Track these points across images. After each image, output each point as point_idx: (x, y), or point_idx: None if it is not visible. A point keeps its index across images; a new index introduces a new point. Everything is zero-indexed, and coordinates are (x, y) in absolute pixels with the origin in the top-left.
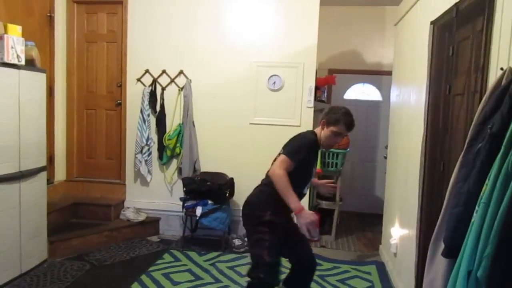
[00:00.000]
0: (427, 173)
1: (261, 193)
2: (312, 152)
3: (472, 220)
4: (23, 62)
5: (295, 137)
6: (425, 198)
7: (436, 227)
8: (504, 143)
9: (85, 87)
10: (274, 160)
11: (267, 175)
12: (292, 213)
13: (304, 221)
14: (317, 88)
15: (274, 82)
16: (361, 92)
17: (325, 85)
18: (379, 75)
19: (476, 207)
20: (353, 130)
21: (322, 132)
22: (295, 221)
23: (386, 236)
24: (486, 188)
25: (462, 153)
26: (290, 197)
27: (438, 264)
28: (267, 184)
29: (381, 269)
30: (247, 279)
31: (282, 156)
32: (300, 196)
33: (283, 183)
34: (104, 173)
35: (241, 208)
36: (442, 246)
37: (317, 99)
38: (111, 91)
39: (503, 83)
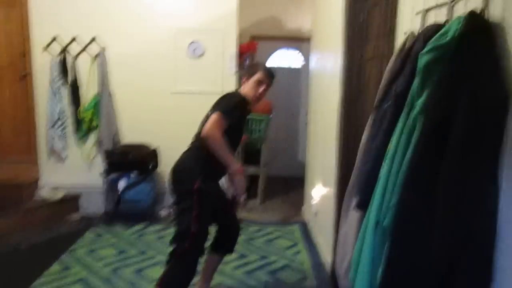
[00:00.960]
0: (343, 135)
1: (189, 160)
2: (244, 111)
3: (380, 175)
4: None
5: (224, 96)
6: (342, 158)
7: (349, 183)
8: (406, 103)
9: None
10: (203, 122)
11: (196, 138)
12: (224, 176)
13: (240, 182)
14: (239, 54)
15: (195, 49)
16: (283, 59)
17: (248, 52)
18: (300, 41)
19: (383, 163)
20: (273, 82)
21: (246, 87)
22: (227, 182)
23: (308, 197)
24: (391, 145)
25: (372, 113)
26: (229, 157)
27: (351, 217)
28: (196, 148)
29: (304, 228)
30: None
31: (216, 115)
32: None
33: (219, 143)
34: (13, 151)
35: (166, 179)
36: (355, 200)
37: (239, 66)
38: (13, 62)
39: (406, 46)
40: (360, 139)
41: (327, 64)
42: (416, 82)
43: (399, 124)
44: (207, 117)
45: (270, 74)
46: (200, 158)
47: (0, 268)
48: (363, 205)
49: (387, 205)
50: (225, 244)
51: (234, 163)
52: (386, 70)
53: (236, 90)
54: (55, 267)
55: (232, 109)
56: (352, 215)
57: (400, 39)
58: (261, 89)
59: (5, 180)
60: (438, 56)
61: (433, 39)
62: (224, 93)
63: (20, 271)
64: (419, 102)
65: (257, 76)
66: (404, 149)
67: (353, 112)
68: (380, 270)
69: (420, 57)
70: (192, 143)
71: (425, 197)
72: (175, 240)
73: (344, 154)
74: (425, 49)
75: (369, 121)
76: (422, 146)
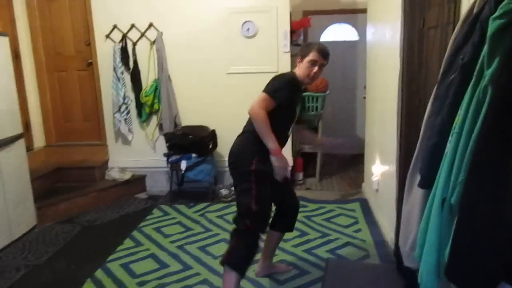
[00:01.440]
0: (404, 108)
1: (245, 142)
2: (295, 91)
3: (446, 150)
4: None
5: (274, 77)
6: (403, 133)
7: (413, 160)
8: (475, 73)
9: (53, 48)
10: None
11: (248, 121)
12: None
13: (279, 164)
14: (292, 31)
15: (248, 29)
16: (338, 32)
17: (301, 28)
18: (355, 13)
19: (450, 138)
20: (328, 60)
21: (300, 68)
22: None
23: (368, 174)
24: (458, 119)
25: (436, 85)
26: (269, 137)
27: (415, 195)
28: (249, 131)
29: (364, 205)
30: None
31: (262, 94)
32: (285, 138)
33: (261, 122)
34: (83, 135)
35: (225, 158)
36: (419, 178)
37: (293, 43)
38: (80, 51)
39: (474, 11)
40: (423, 113)
41: (385, 35)
42: (485, 50)
43: (467, 96)
44: None
45: (324, 53)
46: (255, 139)
47: (78, 243)
48: (427, 184)
49: (454, 182)
50: (284, 222)
51: (272, 143)
52: (451, 39)
53: (289, 72)
54: (127, 242)
55: (279, 89)
56: (416, 193)
57: (466, 4)
58: (315, 69)
59: (80, 162)
60: (509, 21)
61: (505, 1)
62: (279, 72)
63: (97, 246)
64: (489, 72)
65: (311, 56)
66: (472, 123)
67: (415, 85)
68: (447, 248)
69: (490, 22)
70: (246, 126)
71: (496, 172)
72: (237, 219)
73: (406, 129)
74: (496, 13)
75: (433, 94)
76: (492, 119)
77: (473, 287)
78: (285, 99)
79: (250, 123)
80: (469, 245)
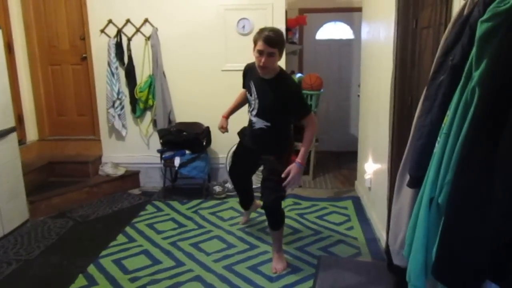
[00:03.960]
0: (396, 108)
1: (277, 137)
2: (247, 77)
3: (434, 150)
4: None
5: (294, 93)
6: (395, 132)
7: (403, 159)
8: (464, 74)
9: (47, 41)
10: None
11: (268, 118)
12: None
13: (299, 172)
14: (288, 29)
15: (244, 26)
16: (333, 31)
17: (296, 26)
18: (350, 12)
19: (438, 138)
20: (281, 46)
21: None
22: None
23: (361, 172)
24: (447, 119)
25: (426, 86)
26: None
27: (404, 194)
28: (276, 129)
29: (357, 203)
30: (232, 222)
31: (312, 117)
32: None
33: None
34: (77, 130)
35: (219, 156)
36: (408, 177)
37: (288, 41)
38: (74, 45)
39: (464, 13)
40: (413, 113)
41: (379, 34)
42: (473, 52)
43: (455, 97)
44: (264, 99)
45: (270, 42)
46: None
47: (71, 238)
48: (416, 184)
49: (442, 182)
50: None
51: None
52: (442, 40)
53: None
54: (120, 238)
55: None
56: (406, 192)
57: (458, 5)
58: (262, 58)
59: (73, 157)
60: (497, 24)
61: (493, 4)
62: None
63: (89, 241)
64: (476, 74)
65: (257, 46)
66: (460, 123)
67: (407, 84)
68: (435, 247)
69: (479, 24)
70: (270, 124)
71: (483, 173)
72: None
73: (398, 128)
74: (485, 16)
75: (423, 95)
76: (479, 120)
77: (459, 285)
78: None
79: (270, 120)
80: (455, 244)
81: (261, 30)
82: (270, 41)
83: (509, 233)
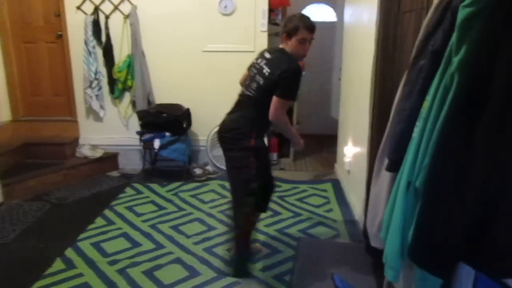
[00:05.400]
0: (377, 91)
1: (241, 119)
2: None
3: (413, 135)
4: None
5: (285, 75)
6: (375, 116)
7: (382, 143)
8: (444, 59)
9: (19, 18)
10: (251, 79)
11: (244, 98)
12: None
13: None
14: (271, 10)
15: (226, 6)
16: (316, 13)
17: (280, 7)
18: None
19: (417, 123)
20: (312, 37)
21: (290, 46)
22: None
23: (341, 155)
24: (426, 104)
25: (407, 70)
26: (294, 133)
27: (383, 178)
28: (247, 108)
29: (336, 185)
30: (213, 204)
31: (278, 100)
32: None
33: (285, 125)
34: (53, 110)
35: (200, 138)
36: (387, 161)
37: (271, 22)
38: (49, 22)
39: None
40: (394, 97)
41: (361, 18)
42: (454, 37)
43: (435, 82)
44: (257, 75)
45: (312, 29)
46: (252, 118)
47: (48, 221)
48: (394, 168)
49: (419, 166)
50: (262, 202)
51: (299, 137)
52: (423, 24)
53: (283, 48)
54: (99, 221)
55: (294, 89)
56: (384, 176)
57: None
58: (306, 46)
59: (48, 138)
60: (478, 10)
61: None
62: (255, 52)
63: (67, 224)
64: (456, 59)
65: (300, 34)
66: (439, 108)
67: (389, 68)
68: (411, 230)
69: (460, 10)
70: (240, 103)
71: (459, 157)
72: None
73: (378, 112)
74: (466, 1)
75: (404, 79)
76: (458, 106)
77: (434, 267)
78: (297, 91)
79: (246, 100)
80: (431, 227)
81: (300, 18)
82: (313, 28)
83: (482, 216)
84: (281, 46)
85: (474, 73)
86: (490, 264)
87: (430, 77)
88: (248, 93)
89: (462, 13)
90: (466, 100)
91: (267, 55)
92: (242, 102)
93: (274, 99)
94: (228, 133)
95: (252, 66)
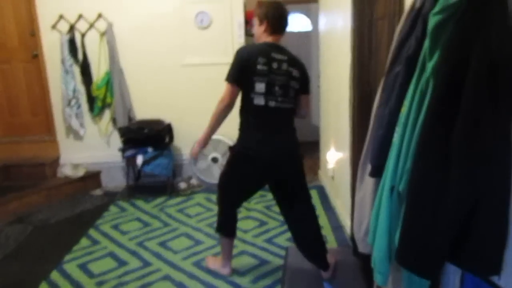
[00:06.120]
0: (356, 98)
1: (294, 131)
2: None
3: (393, 140)
4: None
5: (304, 69)
6: (356, 122)
7: (364, 149)
8: (418, 65)
9: None
10: (284, 94)
11: (290, 110)
12: None
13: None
14: (247, 21)
15: (202, 20)
16: (291, 22)
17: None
18: (308, 3)
19: (396, 128)
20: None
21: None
22: None
23: (324, 161)
24: (404, 109)
25: (384, 77)
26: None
27: (366, 183)
28: (292, 120)
29: (321, 192)
30: (199, 218)
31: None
32: None
33: None
34: (31, 130)
35: (183, 152)
36: (370, 166)
37: (247, 33)
38: (24, 42)
39: (416, 6)
40: (372, 103)
41: (336, 26)
42: (426, 44)
43: (411, 88)
44: (291, 81)
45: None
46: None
47: (32, 243)
48: (377, 173)
49: (401, 170)
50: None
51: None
52: (396, 31)
53: (276, 43)
54: (83, 241)
55: None
56: (368, 180)
57: None
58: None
59: (28, 159)
60: (448, 16)
61: None
62: None
63: (51, 245)
64: (430, 65)
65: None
66: (416, 113)
67: (365, 75)
68: (397, 234)
69: (430, 17)
70: (281, 119)
71: (439, 160)
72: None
73: (359, 117)
74: (436, 9)
75: (381, 86)
76: (435, 109)
77: (421, 269)
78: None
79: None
80: (416, 230)
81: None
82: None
83: (464, 216)
84: (266, 40)
85: (448, 78)
86: (475, 263)
87: (407, 83)
88: (286, 105)
89: (432, 21)
90: (442, 104)
91: (279, 56)
92: (283, 117)
93: (306, 97)
94: (297, 150)
95: (269, 73)
